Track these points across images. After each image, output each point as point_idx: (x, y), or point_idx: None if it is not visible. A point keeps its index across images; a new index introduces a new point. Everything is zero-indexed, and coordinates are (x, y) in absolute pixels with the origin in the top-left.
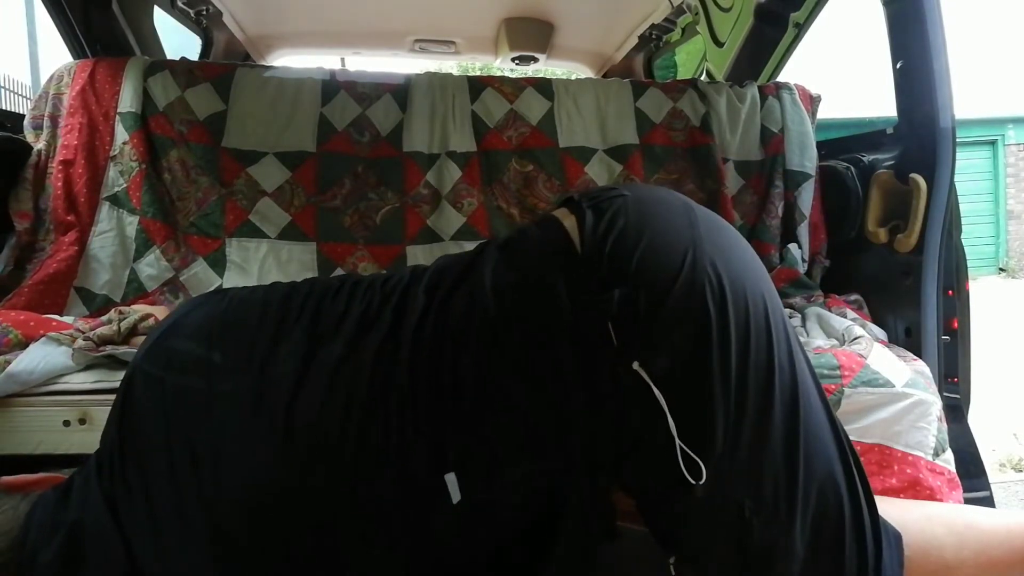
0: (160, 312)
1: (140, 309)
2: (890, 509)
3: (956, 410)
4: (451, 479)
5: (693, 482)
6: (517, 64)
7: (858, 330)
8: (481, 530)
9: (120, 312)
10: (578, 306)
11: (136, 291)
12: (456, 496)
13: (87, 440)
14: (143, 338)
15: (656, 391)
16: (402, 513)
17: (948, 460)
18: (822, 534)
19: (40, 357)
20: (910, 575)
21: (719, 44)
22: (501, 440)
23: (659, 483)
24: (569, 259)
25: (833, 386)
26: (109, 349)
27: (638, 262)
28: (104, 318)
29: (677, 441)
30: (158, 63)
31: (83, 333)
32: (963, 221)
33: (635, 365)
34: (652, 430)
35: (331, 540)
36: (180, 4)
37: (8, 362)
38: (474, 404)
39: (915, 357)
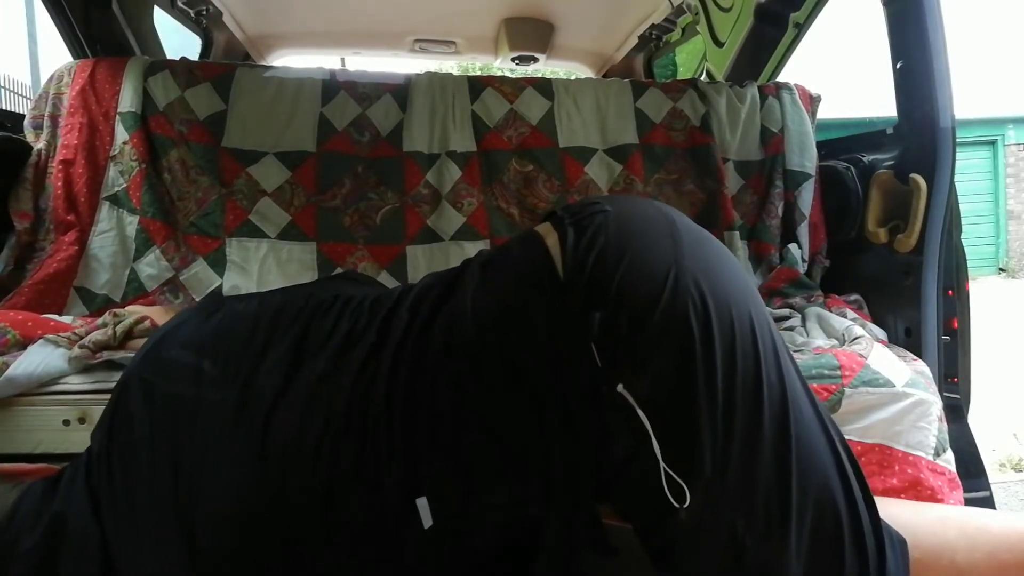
0: (155, 313)
1: (135, 311)
2: (902, 512)
3: (956, 410)
4: (423, 503)
5: (677, 506)
6: (517, 64)
7: (858, 330)
8: (454, 556)
9: (114, 315)
10: (558, 331)
11: (136, 291)
12: (428, 521)
13: (87, 440)
14: (139, 341)
15: (641, 413)
16: (373, 536)
17: (949, 460)
18: (820, 547)
19: (38, 361)
20: None
21: (719, 44)
22: (477, 465)
23: (649, 506)
24: (550, 282)
25: (833, 386)
26: (106, 355)
27: (619, 283)
28: (99, 321)
29: (661, 464)
30: (158, 63)
31: (79, 338)
32: (963, 221)
33: (619, 387)
34: (639, 454)
35: (303, 559)
36: (180, 4)
37: (7, 364)
38: (451, 428)
39: (915, 357)
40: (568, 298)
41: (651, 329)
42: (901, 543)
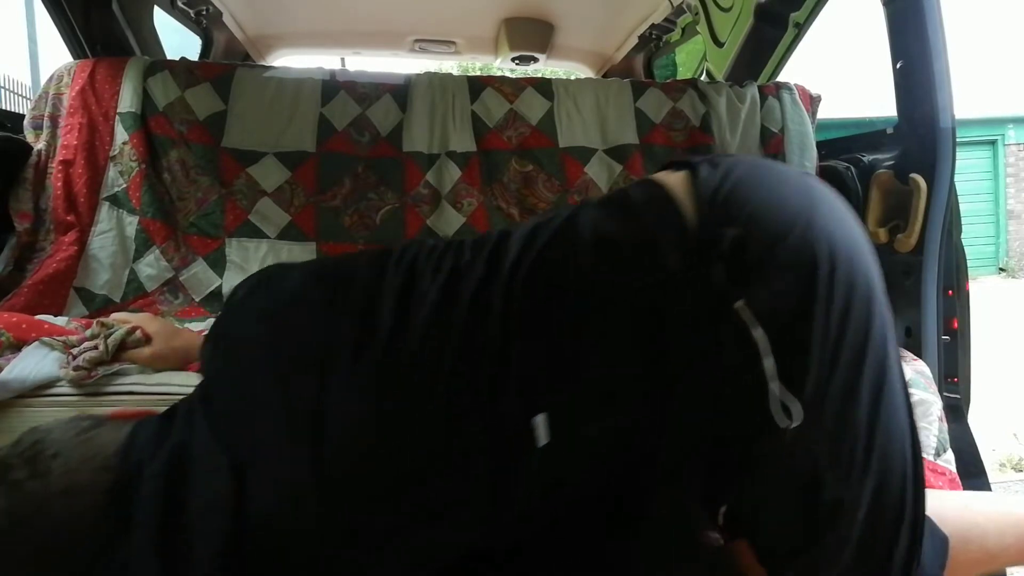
0: (144, 320)
1: (123, 318)
2: (928, 499)
3: (956, 410)
4: (540, 420)
5: (788, 422)
6: (517, 64)
7: None
8: (559, 485)
9: (102, 324)
10: (685, 255)
11: (136, 291)
12: (543, 439)
13: None
14: (134, 352)
15: (756, 331)
16: (487, 461)
17: (949, 460)
18: (884, 510)
19: (32, 365)
20: (955, 564)
21: (719, 44)
22: (592, 388)
23: (738, 427)
24: (675, 210)
25: None
26: (101, 371)
27: (753, 210)
28: (88, 332)
29: (775, 381)
30: (158, 63)
31: (72, 345)
32: (963, 221)
33: (738, 304)
34: (745, 372)
35: (417, 493)
36: (180, 4)
37: (0, 368)
38: (567, 351)
39: (915, 357)
40: (698, 225)
41: (781, 254)
42: (944, 541)
